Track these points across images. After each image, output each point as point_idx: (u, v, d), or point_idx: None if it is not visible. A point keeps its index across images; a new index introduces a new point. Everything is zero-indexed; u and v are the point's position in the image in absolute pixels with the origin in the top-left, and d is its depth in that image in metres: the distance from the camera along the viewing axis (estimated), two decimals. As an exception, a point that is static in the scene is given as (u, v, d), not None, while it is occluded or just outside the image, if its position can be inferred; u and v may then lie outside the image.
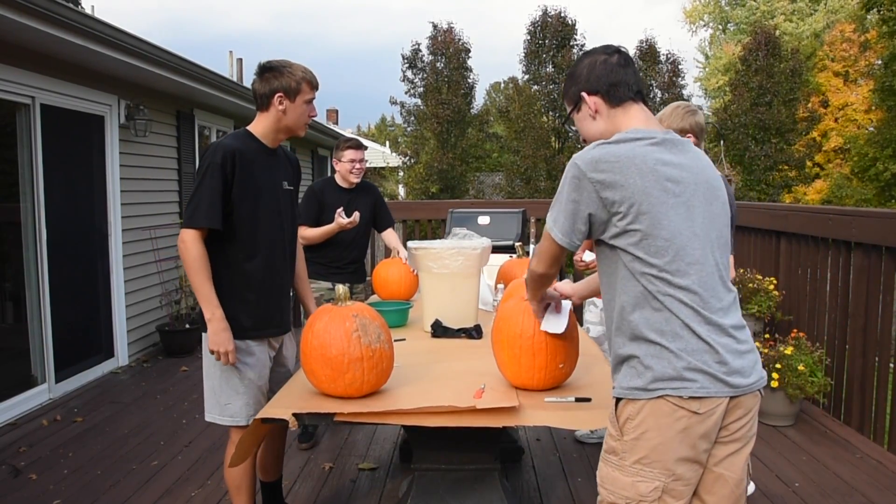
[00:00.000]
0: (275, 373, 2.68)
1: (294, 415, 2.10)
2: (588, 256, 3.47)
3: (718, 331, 1.63)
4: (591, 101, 1.77)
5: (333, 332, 2.20)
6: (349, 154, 3.92)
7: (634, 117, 1.75)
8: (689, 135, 2.77)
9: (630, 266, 1.64)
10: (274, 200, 2.55)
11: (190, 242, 2.37)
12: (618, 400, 1.70)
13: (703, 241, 1.66)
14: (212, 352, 2.43)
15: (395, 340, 2.91)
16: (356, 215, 3.80)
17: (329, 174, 4.13)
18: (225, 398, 2.51)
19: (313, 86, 2.52)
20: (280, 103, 2.46)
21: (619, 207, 1.62)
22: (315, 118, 2.57)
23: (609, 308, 1.74)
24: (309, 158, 12.26)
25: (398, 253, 3.88)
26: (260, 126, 2.53)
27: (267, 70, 2.46)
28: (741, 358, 1.65)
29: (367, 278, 4.43)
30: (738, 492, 1.71)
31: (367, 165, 4.25)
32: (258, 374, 2.54)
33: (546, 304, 2.18)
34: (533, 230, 6.46)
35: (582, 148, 1.73)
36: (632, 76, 1.76)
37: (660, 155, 1.66)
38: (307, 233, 3.84)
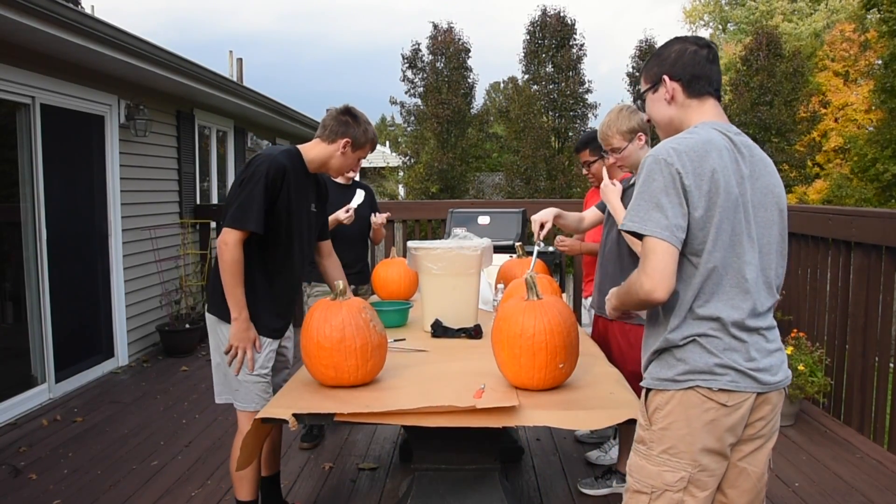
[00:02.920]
0: (276, 362, 2.76)
1: (294, 415, 2.10)
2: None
3: (752, 331, 1.66)
4: (671, 85, 1.78)
5: (355, 325, 2.33)
6: None
7: (706, 112, 1.76)
8: (641, 133, 2.78)
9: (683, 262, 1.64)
10: (299, 223, 2.65)
11: (233, 244, 2.45)
12: (647, 391, 1.72)
13: (755, 245, 1.67)
14: (229, 349, 2.54)
15: (395, 340, 2.93)
16: (351, 212, 3.83)
17: None
18: (235, 384, 2.61)
19: (373, 149, 2.83)
20: (344, 147, 2.68)
21: (696, 200, 1.60)
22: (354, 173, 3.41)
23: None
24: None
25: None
26: (314, 152, 2.69)
27: (349, 114, 2.69)
28: (770, 356, 1.70)
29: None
30: (759, 485, 1.75)
31: (368, 165, 4.29)
32: (262, 363, 2.63)
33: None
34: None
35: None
36: (716, 74, 1.78)
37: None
38: None
